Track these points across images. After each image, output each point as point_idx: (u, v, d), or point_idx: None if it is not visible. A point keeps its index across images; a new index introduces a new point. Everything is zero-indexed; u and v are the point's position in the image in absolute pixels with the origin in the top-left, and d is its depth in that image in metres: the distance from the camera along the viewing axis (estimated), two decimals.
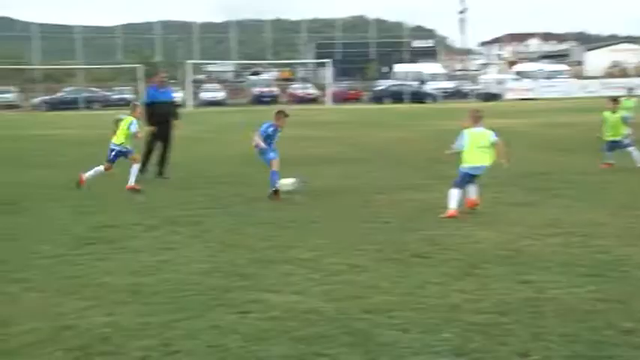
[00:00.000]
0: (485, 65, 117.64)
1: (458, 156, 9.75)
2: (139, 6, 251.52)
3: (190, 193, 11.73)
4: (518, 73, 63.46)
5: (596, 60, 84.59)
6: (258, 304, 5.79)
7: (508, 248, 7.54)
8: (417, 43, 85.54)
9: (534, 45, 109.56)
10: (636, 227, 8.37)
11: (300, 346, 4.90)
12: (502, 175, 12.72)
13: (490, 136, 9.59)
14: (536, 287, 6.09)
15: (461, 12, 74.02)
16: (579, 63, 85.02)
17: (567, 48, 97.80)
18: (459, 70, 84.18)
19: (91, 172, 12.17)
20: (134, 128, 12.08)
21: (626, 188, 11.19)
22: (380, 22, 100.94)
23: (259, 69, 76.61)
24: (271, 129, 11.22)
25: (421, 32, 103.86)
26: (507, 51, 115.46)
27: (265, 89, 58.47)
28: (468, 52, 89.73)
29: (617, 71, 78.88)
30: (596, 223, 8.69)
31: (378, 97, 54.37)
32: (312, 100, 55.60)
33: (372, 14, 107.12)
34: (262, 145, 11.04)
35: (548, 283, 6.18)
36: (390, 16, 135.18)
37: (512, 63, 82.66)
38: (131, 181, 12.00)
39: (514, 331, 5.08)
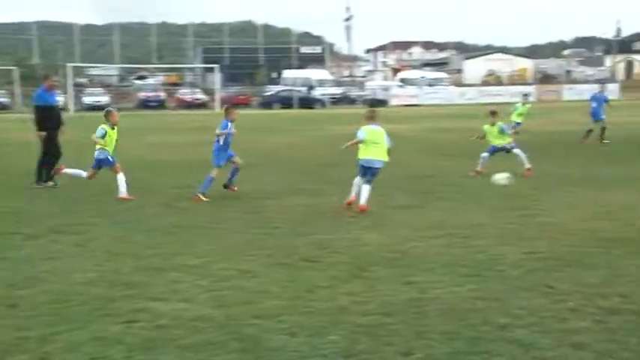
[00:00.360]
0: (371, 72, 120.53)
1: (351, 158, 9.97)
2: (12, 5, 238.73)
3: (76, 201, 11.28)
4: (402, 80, 65.42)
5: (474, 68, 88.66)
6: (144, 313, 5.64)
7: (394, 250, 7.75)
8: (306, 50, 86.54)
9: (417, 53, 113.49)
10: (512, 228, 8.82)
11: (187, 354, 4.82)
12: (389, 178, 13.07)
13: (384, 133, 10.36)
14: (420, 288, 6.30)
15: (347, 19, 75.44)
16: (459, 71, 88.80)
17: (447, 56, 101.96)
18: (347, 77, 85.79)
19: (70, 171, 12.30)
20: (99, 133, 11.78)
21: (505, 191, 11.77)
22: (268, 28, 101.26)
23: (145, 73, 74.79)
24: (229, 125, 11.59)
25: (309, 39, 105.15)
26: (392, 58, 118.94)
27: (152, 94, 57.14)
28: (354, 58, 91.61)
29: (493, 79, 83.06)
30: (476, 224, 9.08)
31: (268, 103, 54.44)
32: (201, 105, 54.87)
33: (259, 20, 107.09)
34: (230, 131, 11.53)
35: (431, 284, 6.41)
36: (278, 22, 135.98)
37: (396, 70, 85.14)
38: (122, 192, 11.46)
39: (399, 331, 5.22)
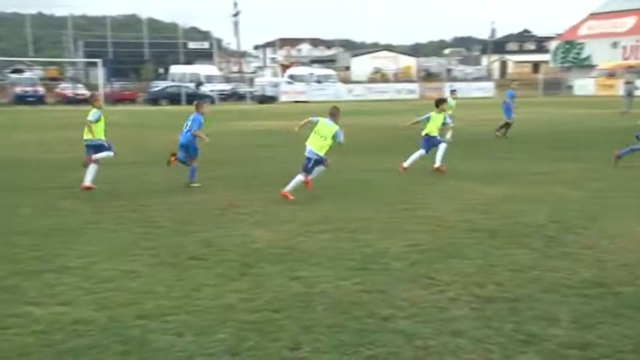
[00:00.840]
0: (260, 68, 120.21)
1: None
2: None
3: None
4: (291, 76, 65.67)
5: (361, 66, 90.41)
6: (18, 318, 5.36)
7: (282, 246, 7.77)
8: (193, 45, 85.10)
9: (305, 50, 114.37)
10: (395, 222, 9.06)
11: (66, 359, 4.62)
12: (277, 174, 13.09)
13: (333, 131, 10.71)
14: (307, 282, 6.35)
15: (234, 15, 74.76)
16: (347, 68, 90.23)
17: (335, 54, 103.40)
18: (236, 73, 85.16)
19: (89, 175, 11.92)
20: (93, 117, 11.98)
21: (394, 186, 12.08)
22: (153, 22, 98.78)
23: (22, 67, 70.94)
24: (202, 119, 12.37)
25: (196, 34, 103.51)
26: (280, 55, 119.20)
27: (29, 88, 54.19)
28: (243, 54, 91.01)
29: (379, 77, 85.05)
30: (362, 218, 9.26)
31: (154, 99, 53.06)
32: (84, 101, 52.73)
33: (144, 14, 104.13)
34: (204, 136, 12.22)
35: (318, 278, 6.47)
36: (164, 17, 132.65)
37: (285, 67, 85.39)
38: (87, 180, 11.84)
39: (286, 326, 5.24)
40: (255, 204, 10.36)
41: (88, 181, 11.82)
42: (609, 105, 35.57)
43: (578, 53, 78.61)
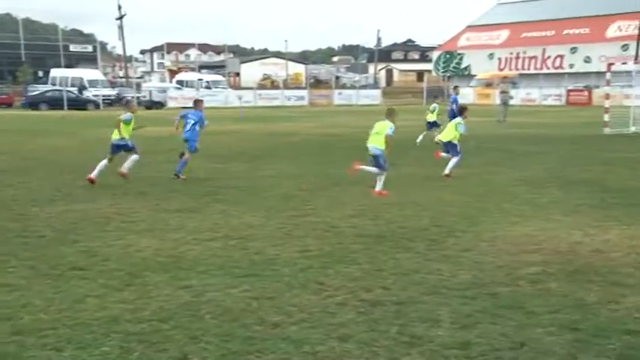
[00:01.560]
0: (147, 73, 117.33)
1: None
2: None
3: None
4: (179, 82, 64.58)
5: (250, 72, 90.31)
6: None
7: (169, 255, 7.61)
8: (75, 48, 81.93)
9: (193, 55, 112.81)
10: (285, 228, 9.09)
11: None
12: (166, 183, 12.84)
13: (387, 127, 11.84)
14: (195, 291, 6.25)
15: (119, 18, 72.56)
16: (237, 74, 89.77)
17: (224, 59, 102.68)
18: (121, 77, 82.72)
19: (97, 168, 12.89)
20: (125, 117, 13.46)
21: (279, 192, 12.11)
22: (30, 23, 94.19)
23: None
24: (202, 115, 13.93)
25: (79, 36, 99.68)
26: (168, 60, 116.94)
27: None
28: (129, 59, 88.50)
29: (269, 83, 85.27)
30: (252, 225, 9.23)
31: (33, 103, 50.55)
32: None
33: (20, 13, 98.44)
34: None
35: (206, 287, 6.39)
36: (42, 17, 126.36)
37: (173, 72, 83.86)
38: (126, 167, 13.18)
39: (173, 336, 5.13)
40: (142, 212, 10.10)
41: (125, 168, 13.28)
42: (487, 113, 37.35)
43: (458, 63, 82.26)
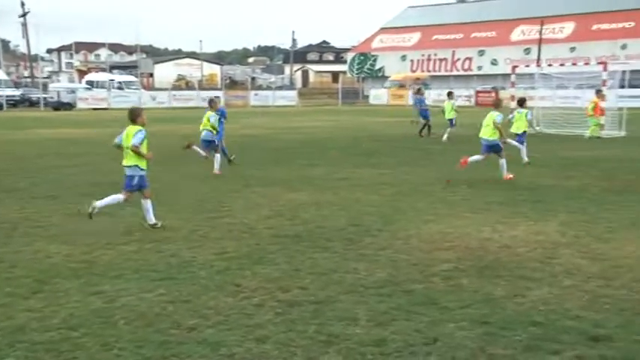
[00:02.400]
0: (55, 73, 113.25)
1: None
2: None
3: None
4: (89, 82, 62.68)
5: (164, 72, 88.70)
6: None
7: (81, 260, 7.37)
8: None
9: (104, 55, 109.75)
10: (202, 230, 8.97)
11: None
12: (78, 184, 12.43)
13: (494, 117, 13.12)
14: (107, 297, 6.07)
15: (22, 15, 69.64)
16: (150, 75, 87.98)
17: (137, 60, 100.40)
18: (26, 77, 79.50)
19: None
20: (213, 119, 14.94)
21: (198, 194, 11.94)
22: None
23: None
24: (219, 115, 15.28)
25: None
26: (77, 60, 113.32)
27: None
28: (34, 58, 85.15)
29: (184, 84, 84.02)
30: (167, 228, 9.06)
31: None
32: None
33: None
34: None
35: (120, 292, 6.22)
36: None
37: (82, 72, 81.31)
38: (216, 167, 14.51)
39: (84, 344, 4.97)
40: (53, 217, 9.75)
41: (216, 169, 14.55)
42: (401, 114, 38.11)
43: (372, 65, 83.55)
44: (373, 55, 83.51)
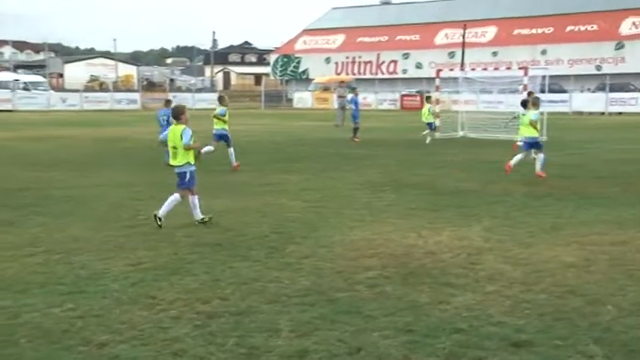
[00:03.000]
0: None
1: None
2: None
3: None
4: None
5: (75, 73, 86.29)
6: None
7: None
8: None
9: (8, 53, 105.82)
10: (115, 240, 8.75)
11: None
12: None
13: (531, 116, 14.66)
14: (10, 313, 5.83)
15: None
16: (60, 75, 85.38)
17: (44, 59, 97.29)
18: None
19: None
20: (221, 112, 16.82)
21: (111, 202, 11.65)
22: None
23: None
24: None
25: None
26: None
27: None
28: None
29: (97, 85, 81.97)
30: (77, 238, 8.79)
31: None
32: None
33: None
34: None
35: (23, 307, 5.98)
36: None
37: None
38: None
39: None
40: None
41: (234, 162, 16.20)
42: (325, 117, 38.40)
43: (296, 67, 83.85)
44: (297, 57, 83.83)
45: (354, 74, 76.47)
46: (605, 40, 63.83)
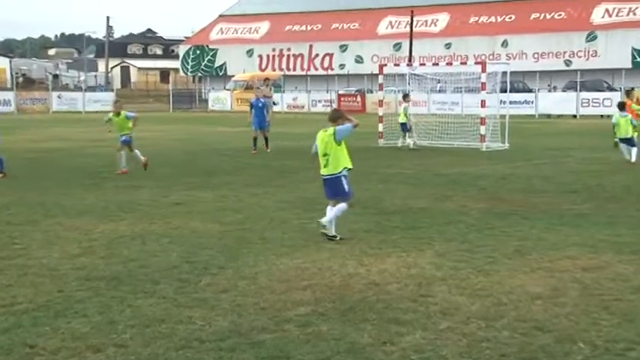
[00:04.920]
0: None
1: None
2: None
3: None
4: None
5: None
6: None
7: None
8: None
9: None
10: None
11: None
12: None
13: (629, 118, 19.12)
14: None
15: None
16: None
17: None
18: None
19: None
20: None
21: None
22: None
23: None
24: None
25: None
26: None
27: None
28: None
29: None
30: None
31: None
32: None
33: None
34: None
35: None
36: None
37: None
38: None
39: None
40: None
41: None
42: (248, 122, 38.24)
43: (212, 61, 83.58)
44: (212, 49, 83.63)
45: (281, 70, 76.78)
46: (575, 30, 66.04)
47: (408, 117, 26.01)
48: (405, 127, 25.91)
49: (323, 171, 10.86)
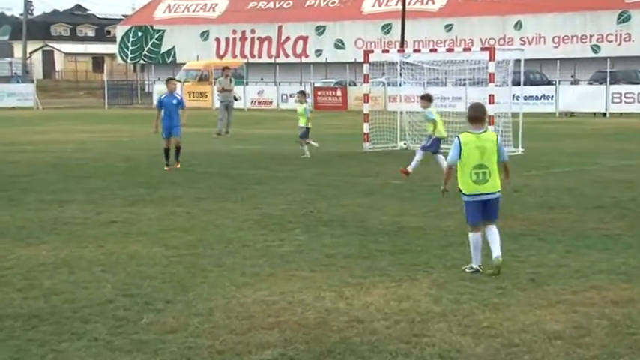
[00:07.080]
0: None
1: None
2: None
3: None
4: None
5: None
6: None
7: None
8: None
9: None
10: None
11: None
12: None
13: None
14: None
15: None
16: None
17: None
18: None
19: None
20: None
21: None
22: None
23: None
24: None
25: None
26: None
27: None
28: None
29: None
30: None
31: None
32: None
33: None
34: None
35: None
36: None
37: None
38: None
39: None
40: None
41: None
42: (202, 120, 38.21)
43: (157, 45, 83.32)
44: (157, 30, 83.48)
45: (244, 57, 76.72)
46: (605, 8, 66.25)
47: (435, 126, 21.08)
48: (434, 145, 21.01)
49: (478, 188, 10.12)
